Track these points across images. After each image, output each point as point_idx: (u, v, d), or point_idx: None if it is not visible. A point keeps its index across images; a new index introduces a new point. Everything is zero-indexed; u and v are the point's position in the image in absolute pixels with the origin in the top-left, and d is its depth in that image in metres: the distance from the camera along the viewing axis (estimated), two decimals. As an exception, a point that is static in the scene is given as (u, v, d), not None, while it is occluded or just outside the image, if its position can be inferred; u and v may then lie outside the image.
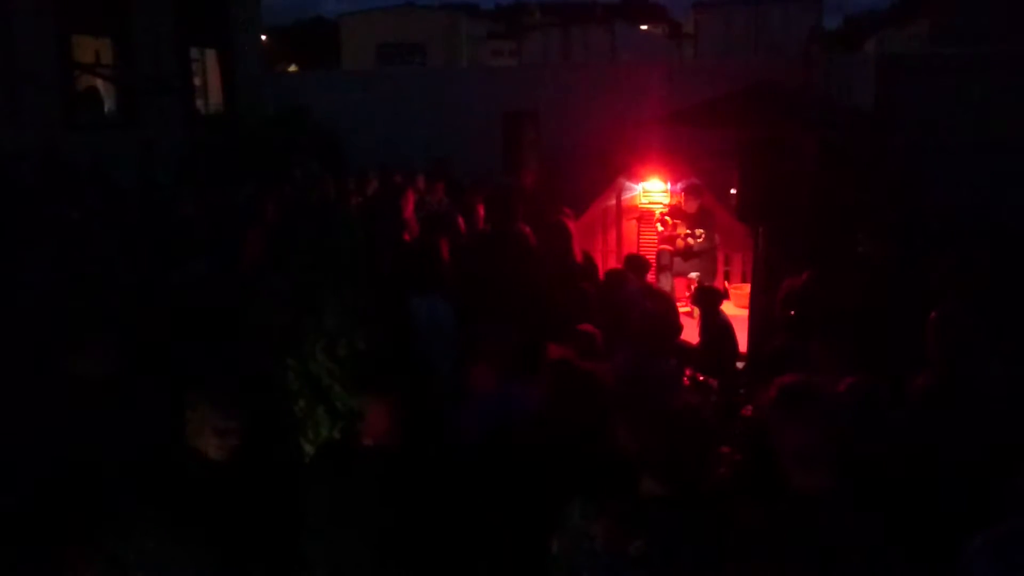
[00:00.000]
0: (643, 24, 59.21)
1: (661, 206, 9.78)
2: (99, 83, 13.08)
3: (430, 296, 5.07)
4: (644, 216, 9.92)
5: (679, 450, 2.55)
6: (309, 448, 3.65)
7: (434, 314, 5.01)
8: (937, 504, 2.83)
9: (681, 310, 8.89)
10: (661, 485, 2.55)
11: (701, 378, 5.76)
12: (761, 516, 2.48)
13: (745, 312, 7.77)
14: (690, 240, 9.24)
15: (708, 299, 7.32)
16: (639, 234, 9.91)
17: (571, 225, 7.23)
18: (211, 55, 14.78)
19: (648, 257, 9.60)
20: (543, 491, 2.80)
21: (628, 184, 9.93)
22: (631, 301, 6.83)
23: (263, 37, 17.83)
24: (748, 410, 4.16)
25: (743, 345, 7.18)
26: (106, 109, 13.11)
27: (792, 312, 5.46)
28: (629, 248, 9.64)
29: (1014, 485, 2.38)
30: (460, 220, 7.90)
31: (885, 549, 2.32)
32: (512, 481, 3.01)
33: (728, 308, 8.38)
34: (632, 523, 2.53)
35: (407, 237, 6.54)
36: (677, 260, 9.35)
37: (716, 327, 7.11)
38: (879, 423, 3.05)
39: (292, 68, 48.09)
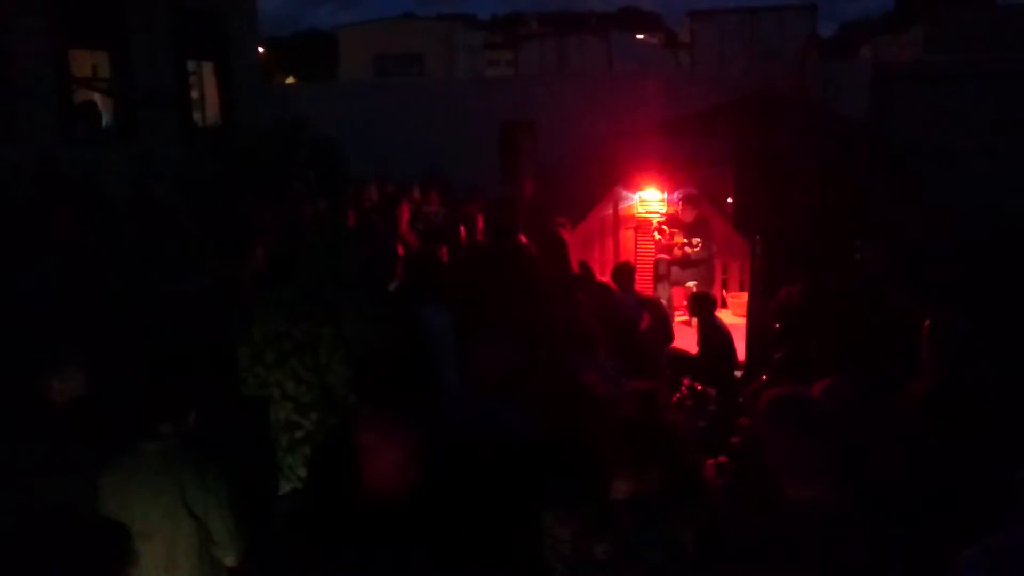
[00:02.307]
0: (639, 33, 59.29)
1: (658, 215, 9.80)
2: (96, 97, 13.09)
3: (429, 305, 5.08)
4: (641, 225, 9.93)
5: (643, 444, 2.56)
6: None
7: (433, 322, 5.02)
8: (930, 510, 2.84)
9: (678, 319, 8.95)
10: (631, 484, 2.56)
11: (700, 387, 5.76)
12: (755, 526, 2.49)
13: (743, 321, 7.79)
14: (687, 249, 9.25)
15: (701, 306, 7.33)
16: (636, 243, 9.93)
17: (567, 235, 7.23)
18: (208, 68, 14.78)
19: (645, 266, 9.62)
20: (514, 500, 2.79)
21: (625, 193, 9.96)
22: (627, 311, 6.85)
23: (260, 49, 17.85)
24: (746, 420, 4.16)
25: (742, 354, 7.18)
26: (103, 123, 13.09)
27: (779, 325, 5.47)
28: (626, 257, 9.65)
29: (1009, 492, 2.39)
30: (462, 230, 7.91)
31: (879, 557, 2.32)
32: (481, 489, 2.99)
33: (726, 317, 8.39)
34: (598, 526, 2.54)
35: (401, 249, 6.54)
36: (675, 269, 9.36)
37: (713, 335, 7.11)
38: (863, 423, 3.06)
39: (290, 80, 48.19)
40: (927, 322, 3.70)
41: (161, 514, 3.16)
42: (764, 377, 5.06)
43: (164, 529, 3.18)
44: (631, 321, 6.74)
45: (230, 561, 3.29)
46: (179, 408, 3.30)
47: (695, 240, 9.21)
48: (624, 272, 7.45)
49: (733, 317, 8.73)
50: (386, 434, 2.75)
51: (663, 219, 9.67)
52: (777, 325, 5.50)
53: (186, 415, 3.31)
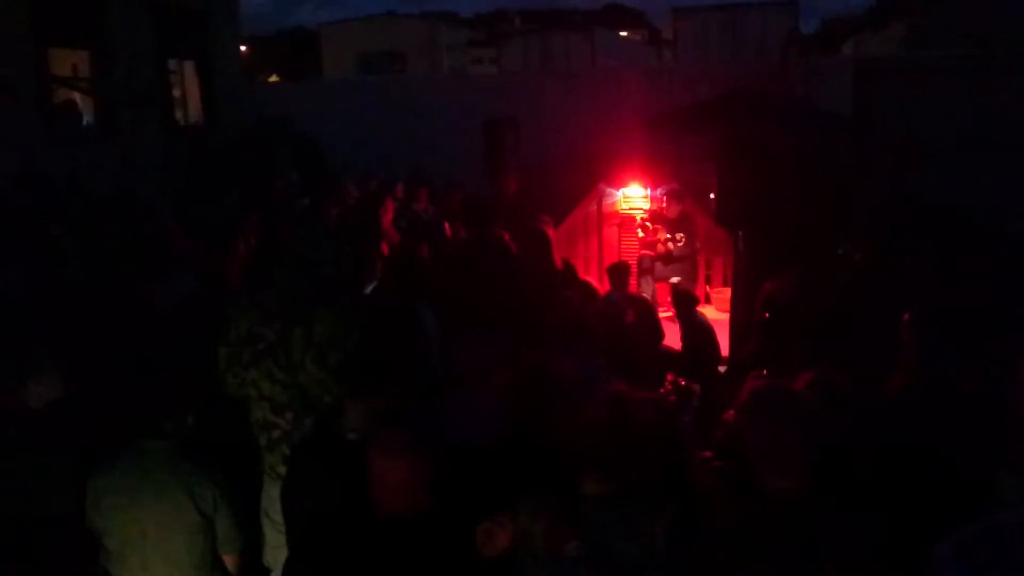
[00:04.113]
0: (622, 30, 59.40)
1: (642, 211, 9.83)
2: (77, 96, 13.02)
3: (417, 303, 5.07)
4: (625, 222, 9.96)
5: (612, 448, 2.56)
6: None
7: (423, 320, 5.01)
8: (909, 503, 2.86)
9: (663, 315, 8.98)
10: (600, 484, 2.56)
11: (683, 383, 5.77)
12: (733, 519, 2.50)
13: (727, 316, 7.82)
14: (671, 245, 9.28)
15: (680, 302, 7.36)
16: (620, 240, 9.96)
17: (551, 232, 7.24)
18: (190, 66, 14.71)
19: (630, 262, 9.65)
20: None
21: (609, 190, 9.98)
22: (612, 308, 6.87)
23: (242, 47, 17.76)
24: (730, 414, 4.17)
25: (725, 349, 7.21)
26: (84, 122, 13.03)
27: (767, 315, 5.49)
28: (611, 254, 9.68)
29: (986, 484, 2.41)
30: (447, 227, 7.91)
31: (857, 549, 2.34)
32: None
33: (710, 312, 8.43)
34: (569, 522, 2.54)
35: (385, 247, 6.53)
36: (658, 265, 9.39)
37: (695, 331, 7.14)
38: (844, 416, 3.07)
39: (272, 78, 48.03)
40: (906, 315, 3.72)
41: (165, 513, 3.14)
42: (752, 373, 5.07)
43: (163, 529, 3.15)
44: (617, 318, 6.76)
45: (231, 559, 3.31)
46: (180, 407, 3.29)
47: (678, 236, 9.25)
48: (620, 270, 7.50)
49: (717, 313, 8.77)
50: (397, 457, 2.70)
51: (646, 215, 9.71)
52: (767, 315, 5.52)
53: (186, 414, 3.29)
